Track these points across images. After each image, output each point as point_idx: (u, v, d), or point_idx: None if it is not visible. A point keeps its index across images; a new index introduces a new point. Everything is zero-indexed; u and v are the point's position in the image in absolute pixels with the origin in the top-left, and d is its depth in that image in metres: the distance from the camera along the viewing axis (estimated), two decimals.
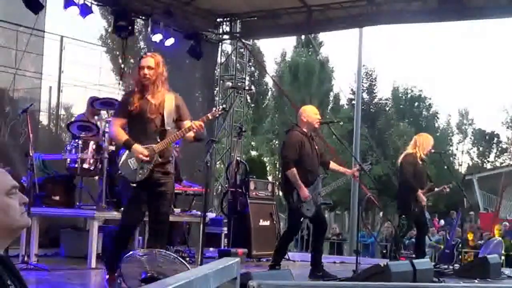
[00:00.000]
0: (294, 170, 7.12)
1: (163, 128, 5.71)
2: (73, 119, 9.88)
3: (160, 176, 5.69)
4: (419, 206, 8.58)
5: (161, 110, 5.69)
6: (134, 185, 5.61)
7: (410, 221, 8.68)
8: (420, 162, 8.63)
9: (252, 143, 35.53)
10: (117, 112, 6.01)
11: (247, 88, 13.92)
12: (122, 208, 6.15)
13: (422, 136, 8.98)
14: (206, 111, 12.56)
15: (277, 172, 34.06)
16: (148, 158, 5.56)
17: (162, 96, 5.71)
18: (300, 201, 7.15)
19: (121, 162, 5.69)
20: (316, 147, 7.46)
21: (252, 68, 31.75)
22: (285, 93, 27.61)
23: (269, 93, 36.18)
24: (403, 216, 8.67)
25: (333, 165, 7.75)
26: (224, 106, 6.36)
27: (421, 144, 8.70)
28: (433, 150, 9.00)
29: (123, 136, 5.68)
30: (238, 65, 13.39)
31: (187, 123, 5.70)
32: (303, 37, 34.53)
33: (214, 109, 5.99)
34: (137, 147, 5.57)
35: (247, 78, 14.38)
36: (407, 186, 8.57)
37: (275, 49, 65.62)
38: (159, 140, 5.66)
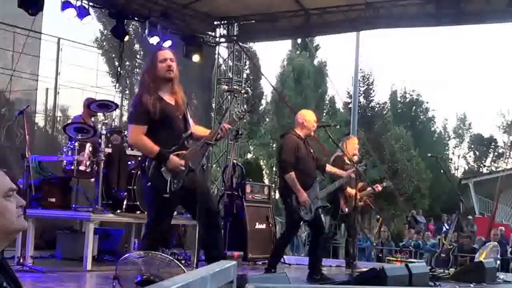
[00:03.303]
0: (293, 174, 7.14)
1: (188, 130, 5.27)
2: (69, 121, 9.86)
3: (191, 176, 5.21)
4: (350, 207, 8.69)
5: (184, 109, 5.26)
6: (167, 195, 5.07)
7: (339, 222, 8.84)
8: (349, 163, 8.53)
9: (251, 147, 35.49)
10: (136, 118, 5.18)
11: (243, 91, 13.88)
12: (148, 216, 5.51)
13: (347, 140, 9.24)
14: (201, 114, 12.69)
15: (273, 175, 34.00)
16: (184, 168, 5.09)
17: (179, 94, 5.25)
18: (298, 204, 7.15)
19: (151, 173, 5.09)
20: (312, 150, 7.49)
21: (249, 71, 31.69)
22: (284, 98, 27.55)
23: (266, 96, 36.13)
24: (331, 217, 8.95)
25: (329, 168, 7.84)
26: (245, 107, 5.96)
27: (346, 147, 8.85)
28: (429, 154, 9.00)
29: (153, 147, 5.06)
30: (235, 68, 13.36)
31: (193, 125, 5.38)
32: (299, 40, 34.53)
33: (237, 111, 5.60)
34: (174, 159, 5.05)
35: (243, 81, 14.33)
36: (337, 189, 8.48)
37: (275, 53, 65.71)
38: (187, 145, 5.23)
